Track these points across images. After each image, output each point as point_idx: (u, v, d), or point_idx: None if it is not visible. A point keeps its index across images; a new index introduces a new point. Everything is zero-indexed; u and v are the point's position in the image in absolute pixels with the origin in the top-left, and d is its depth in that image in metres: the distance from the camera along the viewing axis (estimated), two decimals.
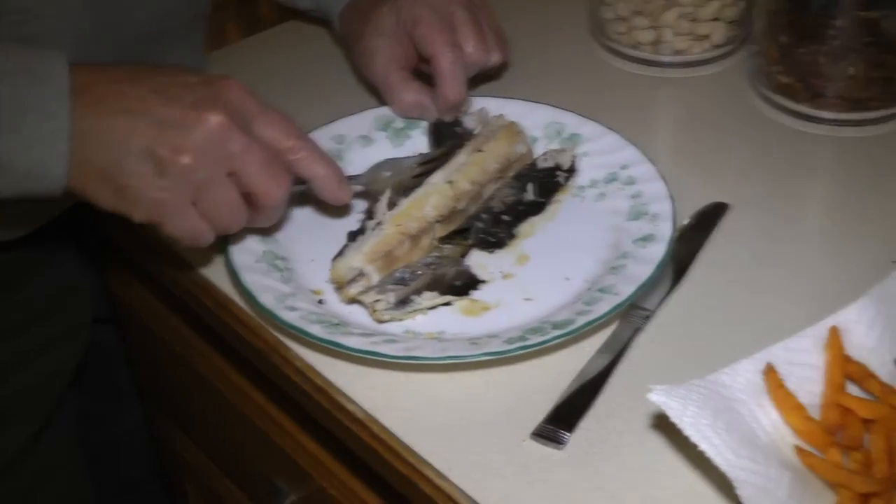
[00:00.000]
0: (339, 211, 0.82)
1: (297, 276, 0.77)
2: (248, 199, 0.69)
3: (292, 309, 0.71)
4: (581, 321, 0.69)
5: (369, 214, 0.78)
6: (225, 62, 1.03)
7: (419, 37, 0.84)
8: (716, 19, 0.96)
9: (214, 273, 0.79)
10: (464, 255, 0.79)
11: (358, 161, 0.85)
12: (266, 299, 0.72)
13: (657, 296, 0.74)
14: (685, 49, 0.98)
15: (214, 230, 0.69)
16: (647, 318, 0.72)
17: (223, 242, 0.75)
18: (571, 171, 0.84)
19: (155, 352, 1.04)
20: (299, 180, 0.73)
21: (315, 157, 0.71)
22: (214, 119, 0.64)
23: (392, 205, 0.77)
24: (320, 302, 0.75)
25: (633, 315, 0.72)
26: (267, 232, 0.78)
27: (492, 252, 0.79)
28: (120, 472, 1.25)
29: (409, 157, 0.84)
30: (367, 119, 0.89)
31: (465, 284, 0.75)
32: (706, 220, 0.81)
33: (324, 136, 0.86)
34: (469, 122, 0.87)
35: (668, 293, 0.74)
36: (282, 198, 0.69)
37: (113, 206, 0.66)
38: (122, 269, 1.04)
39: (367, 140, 0.88)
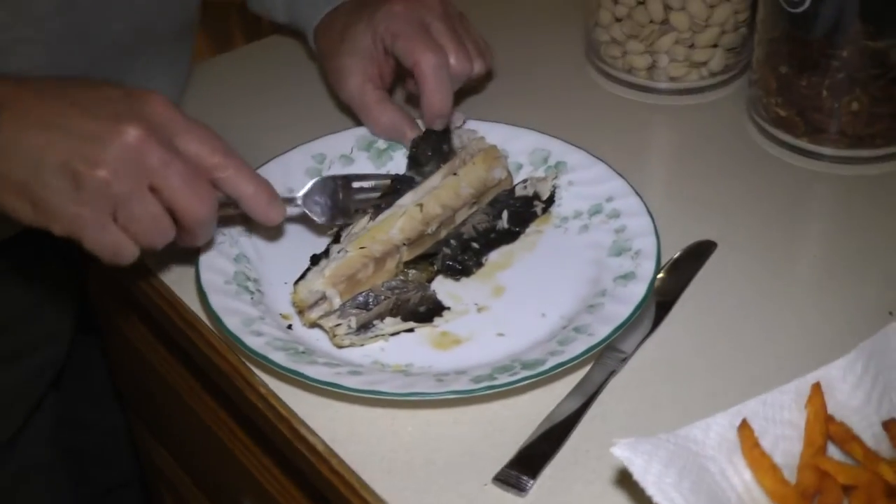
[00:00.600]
0: (317, 230, 0.79)
1: (268, 299, 0.74)
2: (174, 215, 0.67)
3: (258, 334, 0.69)
4: (551, 362, 0.66)
5: (336, 238, 0.75)
6: (203, 77, 1.01)
7: (399, 49, 0.81)
8: (714, 46, 0.93)
9: (185, 290, 0.77)
10: (429, 280, 0.76)
11: None
12: (232, 323, 0.69)
13: (635, 337, 0.71)
14: (681, 76, 0.95)
15: (137, 245, 0.66)
16: (624, 360, 0.70)
17: (195, 257, 0.73)
18: (550, 201, 0.81)
19: (133, 363, 1.02)
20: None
21: (242, 174, 0.68)
22: (132, 132, 0.62)
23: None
24: (289, 327, 0.72)
25: (608, 356, 0.70)
26: (232, 252, 0.76)
27: (457, 279, 0.76)
28: (99, 476, 1.24)
29: (351, 174, 0.81)
30: (349, 138, 0.86)
31: (428, 311, 0.73)
32: (692, 259, 0.78)
33: (304, 155, 0.84)
34: (458, 141, 0.84)
35: (647, 335, 0.72)
36: (206, 215, 0.67)
37: (32, 220, 0.64)
38: (102, 279, 1.02)
39: (349, 160, 0.85)
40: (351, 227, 0.75)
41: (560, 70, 1.01)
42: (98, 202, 0.63)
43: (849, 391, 0.62)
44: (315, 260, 0.73)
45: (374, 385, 0.65)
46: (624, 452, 0.56)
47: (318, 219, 0.77)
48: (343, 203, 0.78)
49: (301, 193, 0.77)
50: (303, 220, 0.79)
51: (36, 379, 1.02)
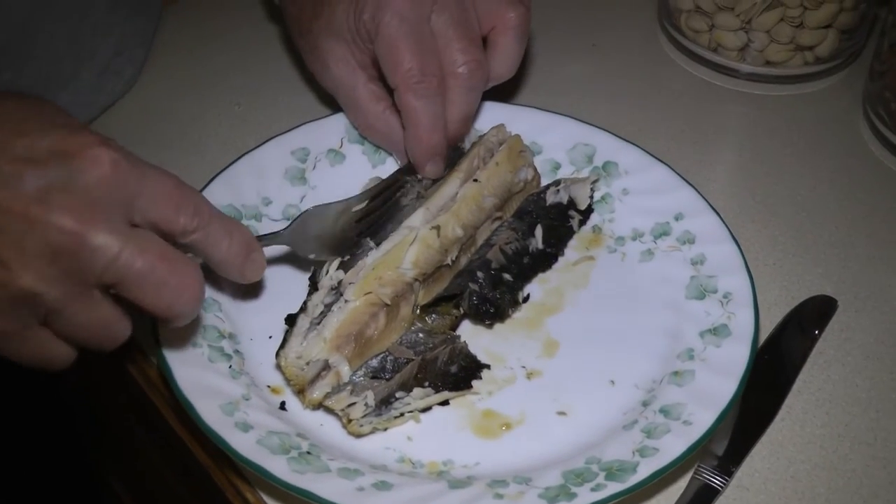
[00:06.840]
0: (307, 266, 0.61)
1: (251, 363, 0.57)
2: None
3: (245, 427, 0.52)
4: (645, 469, 0.50)
5: (313, 285, 0.57)
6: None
7: (380, 56, 0.61)
8: (827, 26, 0.76)
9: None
10: (453, 328, 0.60)
11: (325, 185, 0.66)
12: (209, 412, 0.52)
13: (737, 442, 0.55)
14: (781, 60, 0.78)
15: (79, 350, 0.49)
16: (724, 472, 0.53)
17: None
18: (588, 211, 0.65)
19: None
20: None
21: (214, 232, 0.50)
22: (64, 223, 0.43)
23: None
24: (282, 406, 0.55)
25: (702, 464, 0.54)
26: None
27: (489, 325, 0.60)
28: None
29: (343, 200, 0.62)
30: (339, 126, 0.68)
31: (463, 370, 0.57)
32: (805, 324, 0.61)
33: (282, 151, 0.66)
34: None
35: (754, 439, 0.55)
36: (192, 305, 0.48)
37: None
38: None
39: (338, 156, 0.68)
40: (329, 264, 0.57)
41: (624, 35, 0.84)
42: (17, 313, 0.44)
43: None
44: (291, 320, 0.56)
45: None
46: None
47: (310, 255, 0.59)
48: (342, 233, 0.60)
49: (284, 229, 0.59)
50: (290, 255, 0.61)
51: None
